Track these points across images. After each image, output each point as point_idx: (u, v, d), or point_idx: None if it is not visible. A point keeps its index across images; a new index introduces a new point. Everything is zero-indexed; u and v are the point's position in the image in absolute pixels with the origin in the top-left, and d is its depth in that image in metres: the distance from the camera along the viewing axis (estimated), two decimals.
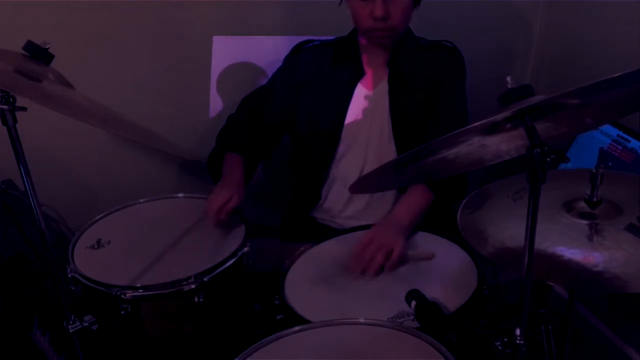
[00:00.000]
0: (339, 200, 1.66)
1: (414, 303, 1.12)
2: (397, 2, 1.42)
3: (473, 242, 1.12)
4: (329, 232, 1.52)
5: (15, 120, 1.04)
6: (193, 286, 1.27)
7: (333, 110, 1.60)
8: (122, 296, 1.26)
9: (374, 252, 1.31)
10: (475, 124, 0.88)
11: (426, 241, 1.42)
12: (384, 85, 1.57)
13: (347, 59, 1.60)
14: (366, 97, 1.59)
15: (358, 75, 1.59)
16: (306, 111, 1.63)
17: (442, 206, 1.52)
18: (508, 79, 0.91)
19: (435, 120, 1.55)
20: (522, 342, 0.97)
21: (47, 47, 1.15)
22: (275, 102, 1.66)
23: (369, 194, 1.63)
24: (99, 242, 1.44)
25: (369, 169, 1.59)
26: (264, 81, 1.92)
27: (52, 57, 1.16)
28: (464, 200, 1.24)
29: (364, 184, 1.28)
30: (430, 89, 1.57)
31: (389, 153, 1.56)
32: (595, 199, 1.10)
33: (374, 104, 1.58)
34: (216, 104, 1.92)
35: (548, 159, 0.85)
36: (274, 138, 1.70)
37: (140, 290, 1.27)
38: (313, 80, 1.62)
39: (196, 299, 1.28)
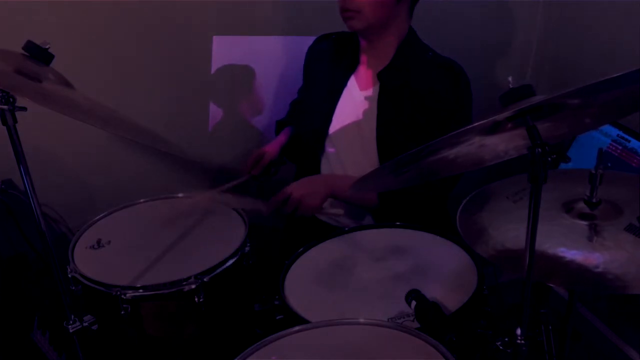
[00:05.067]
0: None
1: (414, 303, 1.12)
2: None
3: (473, 244, 1.12)
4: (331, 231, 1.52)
5: (15, 120, 1.04)
6: (193, 286, 1.27)
7: (324, 103, 1.62)
8: (122, 296, 1.26)
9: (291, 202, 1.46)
10: (475, 124, 0.88)
11: (426, 241, 1.42)
12: (375, 92, 1.57)
13: (346, 50, 1.62)
14: (356, 92, 1.60)
15: (352, 67, 1.61)
16: (303, 104, 1.68)
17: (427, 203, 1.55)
18: (509, 79, 0.91)
19: None
20: (522, 342, 0.97)
21: (47, 47, 1.15)
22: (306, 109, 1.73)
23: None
24: (99, 242, 1.44)
25: (350, 172, 1.59)
26: (263, 81, 1.93)
27: (52, 57, 1.16)
28: (464, 202, 1.24)
29: (364, 184, 1.28)
30: (424, 107, 1.52)
31: (371, 161, 1.55)
32: (594, 200, 1.10)
33: (363, 105, 1.58)
34: (216, 103, 1.92)
35: (549, 159, 0.85)
36: None
37: (140, 290, 1.27)
38: (316, 72, 1.66)
39: (196, 299, 1.28)
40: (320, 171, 1.66)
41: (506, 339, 1.00)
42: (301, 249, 1.41)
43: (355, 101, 1.60)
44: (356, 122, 1.59)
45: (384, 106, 1.55)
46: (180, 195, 1.65)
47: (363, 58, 1.61)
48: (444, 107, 1.52)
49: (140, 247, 1.42)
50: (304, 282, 1.31)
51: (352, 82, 1.61)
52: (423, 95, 1.53)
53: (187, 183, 1.98)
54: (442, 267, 1.32)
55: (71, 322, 1.21)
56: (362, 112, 1.59)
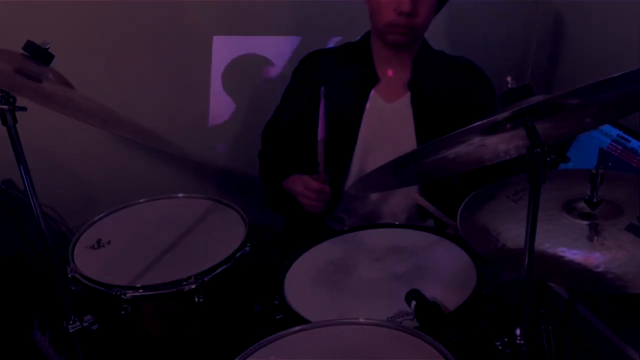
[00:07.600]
0: (355, 210, 1.63)
1: (413, 303, 1.12)
2: (425, 1, 1.41)
3: (473, 243, 1.12)
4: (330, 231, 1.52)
5: (15, 120, 1.04)
6: (193, 286, 1.27)
7: (347, 116, 1.56)
8: (122, 296, 1.26)
9: None
10: (475, 124, 0.88)
11: (426, 241, 1.42)
12: (405, 103, 1.55)
13: (358, 64, 1.57)
14: (382, 105, 1.56)
15: (372, 82, 1.56)
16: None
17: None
18: (508, 79, 0.91)
19: None
20: (522, 342, 0.97)
21: (47, 47, 1.15)
22: (289, 112, 1.64)
23: (391, 214, 1.61)
24: (99, 242, 1.44)
25: None
26: (263, 80, 1.93)
27: (52, 57, 1.16)
28: (464, 201, 1.24)
29: (364, 184, 1.28)
30: (458, 110, 1.54)
31: None
32: (595, 200, 1.10)
33: (395, 117, 1.56)
34: (216, 104, 1.92)
35: (548, 159, 0.85)
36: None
37: (140, 290, 1.27)
38: (325, 85, 1.58)
39: (196, 299, 1.28)
40: (345, 186, 1.61)
41: (505, 339, 1.00)
42: (301, 249, 1.41)
43: (383, 114, 1.56)
44: (390, 134, 1.56)
45: (419, 114, 1.54)
46: (180, 195, 1.65)
47: (382, 70, 1.56)
48: (475, 104, 1.56)
49: (140, 247, 1.42)
50: (304, 282, 1.31)
51: (374, 96, 1.56)
52: (453, 97, 1.55)
53: (187, 183, 1.97)
54: (441, 267, 1.32)
55: (71, 322, 1.20)
56: (396, 124, 1.56)
